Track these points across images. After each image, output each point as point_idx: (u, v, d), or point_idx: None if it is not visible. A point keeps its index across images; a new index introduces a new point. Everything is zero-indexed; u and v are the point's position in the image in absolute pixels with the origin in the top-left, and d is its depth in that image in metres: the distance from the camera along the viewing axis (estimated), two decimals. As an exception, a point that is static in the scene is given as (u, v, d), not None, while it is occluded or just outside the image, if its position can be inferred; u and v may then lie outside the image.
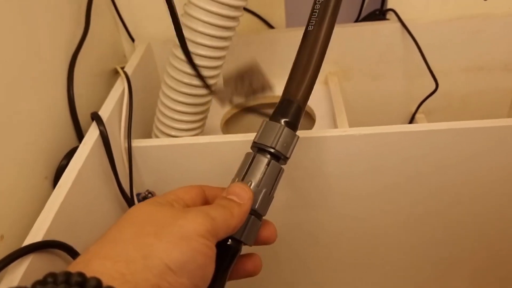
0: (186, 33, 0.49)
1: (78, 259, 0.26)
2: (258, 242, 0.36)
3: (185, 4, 0.50)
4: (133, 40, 0.70)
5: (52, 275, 0.23)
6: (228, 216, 0.31)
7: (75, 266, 0.25)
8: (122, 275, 0.25)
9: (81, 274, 0.23)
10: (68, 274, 0.23)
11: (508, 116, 0.73)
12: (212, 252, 0.29)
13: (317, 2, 0.39)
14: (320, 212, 0.55)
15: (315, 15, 0.39)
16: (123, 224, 0.29)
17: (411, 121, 0.73)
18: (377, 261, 0.62)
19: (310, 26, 0.39)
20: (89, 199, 0.42)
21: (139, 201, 0.53)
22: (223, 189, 0.35)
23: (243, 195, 0.33)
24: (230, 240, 0.33)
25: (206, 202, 0.35)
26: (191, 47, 0.50)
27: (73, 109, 0.50)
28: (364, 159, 0.49)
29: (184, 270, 0.26)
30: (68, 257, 0.36)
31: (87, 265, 0.25)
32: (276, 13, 0.68)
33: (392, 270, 0.63)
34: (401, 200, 0.53)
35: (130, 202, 0.48)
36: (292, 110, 0.37)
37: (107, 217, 0.46)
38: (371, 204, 0.54)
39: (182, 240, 0.27)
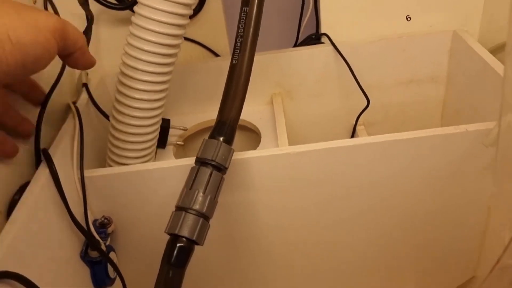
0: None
1: None
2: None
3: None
4: (86, 73, 0.73)
5: None
6: (78, 31, 0.37)
7: None
8: None
9: None
10: None
11: (441, 123, 0.80)
12: (53, 50, 0.34)
13: (237, 40, 0.45)
14: (260, 226, 0.59)
15: (237, 50, 0.45)
16: None
17: (353, 132, 0.78)
18: (323, 267, 0.66)
19: (234, 60, 0.45)
20: (42, 231, 0.45)
21: (95, 227, 0.56)
22: None
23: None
24: (184, 240, 0.38)
25: None
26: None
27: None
28: (301, 174, 0.54)
29: (22, 49, 0.31)
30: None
31: None
32: (220, 42, 0.73)
33: (338, 276, 0.67)
34: (343, 211, 0.58)
35: (84, 231, 0.51)
36: (226, 129, 0.44)
37: (62, 247, 0.49)
38: (315, 216, 0.59)
39: (33, 27, 0.32)
